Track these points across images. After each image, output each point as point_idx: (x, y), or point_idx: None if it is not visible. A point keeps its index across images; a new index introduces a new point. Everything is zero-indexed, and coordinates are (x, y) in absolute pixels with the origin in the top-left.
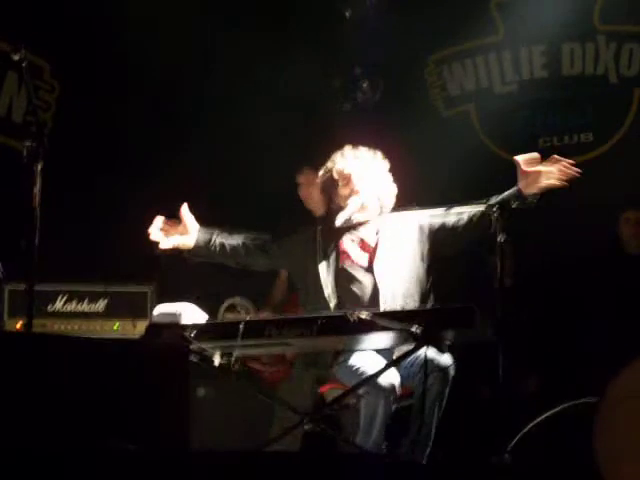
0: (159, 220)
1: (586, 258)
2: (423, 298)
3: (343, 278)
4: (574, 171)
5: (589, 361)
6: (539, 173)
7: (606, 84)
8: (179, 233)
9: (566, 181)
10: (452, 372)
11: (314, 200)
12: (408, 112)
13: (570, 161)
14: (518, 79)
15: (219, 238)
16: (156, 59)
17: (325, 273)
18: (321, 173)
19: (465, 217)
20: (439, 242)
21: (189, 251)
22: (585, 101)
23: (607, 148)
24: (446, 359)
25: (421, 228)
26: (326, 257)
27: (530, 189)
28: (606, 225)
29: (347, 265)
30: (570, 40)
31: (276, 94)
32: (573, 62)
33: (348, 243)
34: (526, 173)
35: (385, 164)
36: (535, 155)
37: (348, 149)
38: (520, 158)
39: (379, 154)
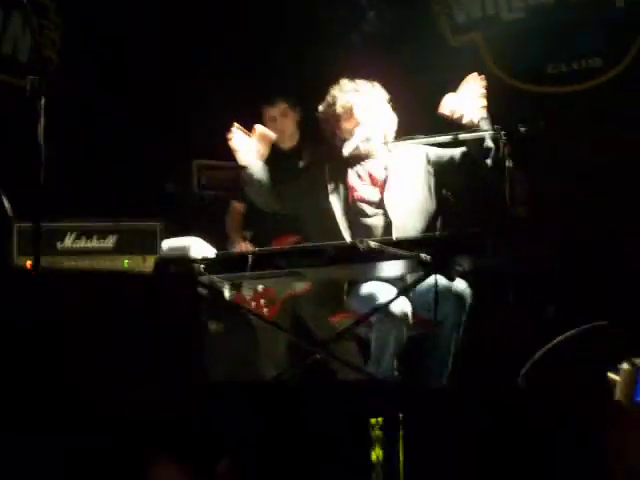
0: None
1: (601, 185)
2: (432, 230)
3: (353, 213)
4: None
5: (607, 290)
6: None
7: (614, 8)
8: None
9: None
10: (469, 300)
11: (287, 133)
12: (415, 41)
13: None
14: (525, 5)
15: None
16: None
17: (337, 209)
18: (321, 108)
19: (470, 145)
20: (447, 173)
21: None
22: (593, 26)
23: (616, 73)
24: (462, 287)
25: (429, 161)
26: (336, 193)
27: (478, 113)
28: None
29: (357, 200)
30: None
31: (282, 26)
32: None
33: (355, 178)
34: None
35: (384, 94)
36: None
37: (345, 82)
38: (444, 109)
39: (377, 85)
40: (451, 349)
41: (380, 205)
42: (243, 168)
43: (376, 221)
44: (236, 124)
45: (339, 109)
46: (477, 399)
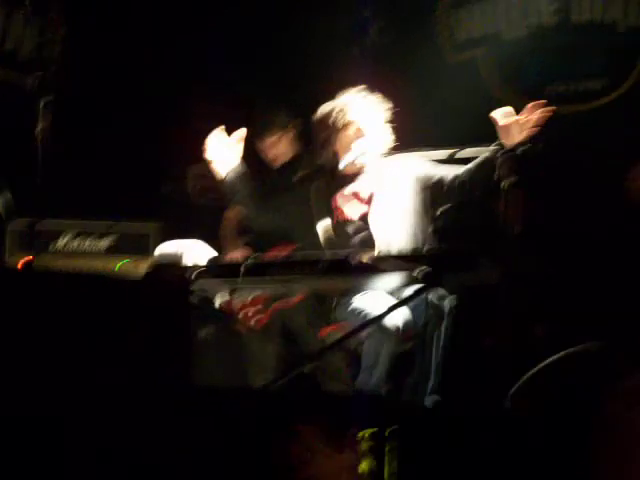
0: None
1: (597, 205)
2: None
3: (338, 234)
4: (548, 111)
5: (598, 309)
6: (517, 123)
7: (615, 32)
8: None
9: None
10: (447, 309)
11: (282, 156)
12: (415, 57)
13: (543, 102)
14: (526, 24)
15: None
16: None
17: (321, 230)
18: (324, 114)
19: (463, 167)
20: (437, 194)
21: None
22: (594, 49)
23: (614, 97)
24: (450, 301)
25: (418, 179)
26: (321, 215)
27: (511, 141)
28: (612, 172)
29: (342, 221)
30: None
31: (284, 36)
32: (582, 9)
33: (341, 199)
34: (505, 126)
35: (388, 112)
36: (509, 109)
37: (355, 92)
38: (496, 113)
39: (383, 100)
40: (433, 361)
41: (365, 225)
42: (222, 181)
43: (360, 242)
44: (221, 129)
45: (345, 118)
46: (464, 417)
